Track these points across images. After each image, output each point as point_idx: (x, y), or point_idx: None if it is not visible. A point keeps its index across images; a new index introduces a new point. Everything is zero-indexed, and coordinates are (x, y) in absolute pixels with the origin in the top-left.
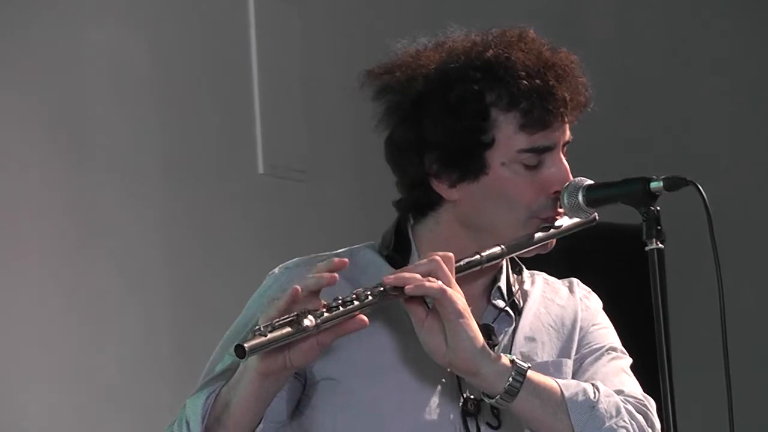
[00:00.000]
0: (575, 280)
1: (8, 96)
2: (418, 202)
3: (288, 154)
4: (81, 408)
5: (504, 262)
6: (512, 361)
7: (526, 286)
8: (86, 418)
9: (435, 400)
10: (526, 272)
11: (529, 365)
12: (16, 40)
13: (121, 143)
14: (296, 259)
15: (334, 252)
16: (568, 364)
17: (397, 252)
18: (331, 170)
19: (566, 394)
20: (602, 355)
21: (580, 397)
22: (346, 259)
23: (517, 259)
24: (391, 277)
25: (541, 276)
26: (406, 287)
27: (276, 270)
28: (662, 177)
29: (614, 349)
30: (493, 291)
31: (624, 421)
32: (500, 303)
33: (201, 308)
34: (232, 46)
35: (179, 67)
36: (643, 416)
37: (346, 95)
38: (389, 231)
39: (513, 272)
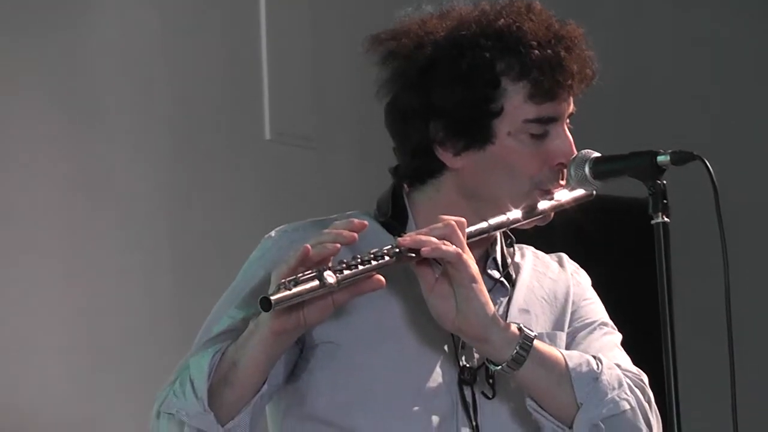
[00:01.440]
0: (564, 255)
1: (16, 60)
2: (419, 170)
3: (295, 120)
4: (80, 372)
5: (498, 234)
6: (520, 329)
7: (517, 259)
8: (85, 383)
9: (433, 368)
10: (515, 245)
11: (536, 334)
12: (22, 4)
13: (129, 109)
14: (293, 223)
15: (330, 217)
16: (562, 337)
17: (394, 219)
18: (337, 137)
19: (570, 364)
20: (595, 329)
21: (584, 368)
22: (366, 222)
23: (509, 231)
24: (407, 238)
25: (530, 250)
26: (423, 249)
27: (273, 233)
28: (669, 151)
29: (606, 324)
30: (488, 262)
31: (626, 393)
32: (495, 273)
33: (205, 274)
34: (241, 13)
35: (188, 33)
36: (640, 390)
37: (353, 62)
38: (385, 198)
39: (505, 244)
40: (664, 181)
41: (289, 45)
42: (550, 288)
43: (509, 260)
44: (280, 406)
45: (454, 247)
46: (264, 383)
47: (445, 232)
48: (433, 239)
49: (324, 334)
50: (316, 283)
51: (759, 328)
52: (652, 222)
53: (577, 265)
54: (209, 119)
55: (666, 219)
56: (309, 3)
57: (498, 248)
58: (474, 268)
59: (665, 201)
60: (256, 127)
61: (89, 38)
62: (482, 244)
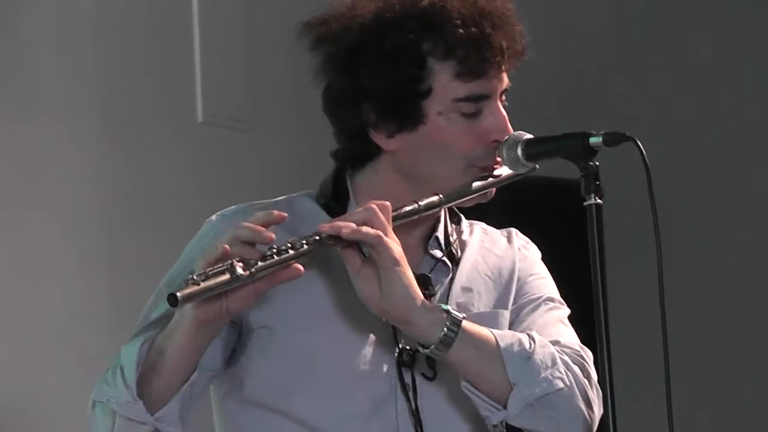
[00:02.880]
0: (514, 230)
1: None
2: (356, 153)
3: (228, 102)
4: (16, 362)
5: (442, 212)
6: (447, 311)
7: (465, 236)
8: (22, 372)
9: (370, 351)
10: (464, 222)
11: (464, 315)
12: None
13: (61, 90)
14: (233, 206)
15: (272, 200)
16: (505, 315)
17: (335, 201)
18: (271, 119)
19: (501, 344)
20: (539, 305)
21: (516, 348)
22: (285, 214)
23: (455, 209)
24: (327, 225)
25: (479, 226)
26: (342, 231)
27: (213, 217)
28: (602, 132)
29: (552, 300)
30: (430, 241)
31: (559, 371)
32: (437, 253)
33: (138, 256)
34: None
35: (120, 13)
36: (579, 367)
37: (287, 44)
38: (327, 180)
39: (451, 222)
40: (597, 163)
41: (222, 25)
42: (495, 265)
43: (453, 238)
44: (220, 389)
45: (374, 230)
46: (194, 371)
47: (365, 216)
48: (353, 224)
49: (259, 318)
50: (226, 277)
51: (691, 308)
52: (585, 203)
53: (527, 240)
54: (141, 101)
55: (598, 200)
56: None
57: (441, 227)
58: (397, 250)
59: (598, 182)
60: (188, 109)
61: (20, 21)
62: (426, 223)
